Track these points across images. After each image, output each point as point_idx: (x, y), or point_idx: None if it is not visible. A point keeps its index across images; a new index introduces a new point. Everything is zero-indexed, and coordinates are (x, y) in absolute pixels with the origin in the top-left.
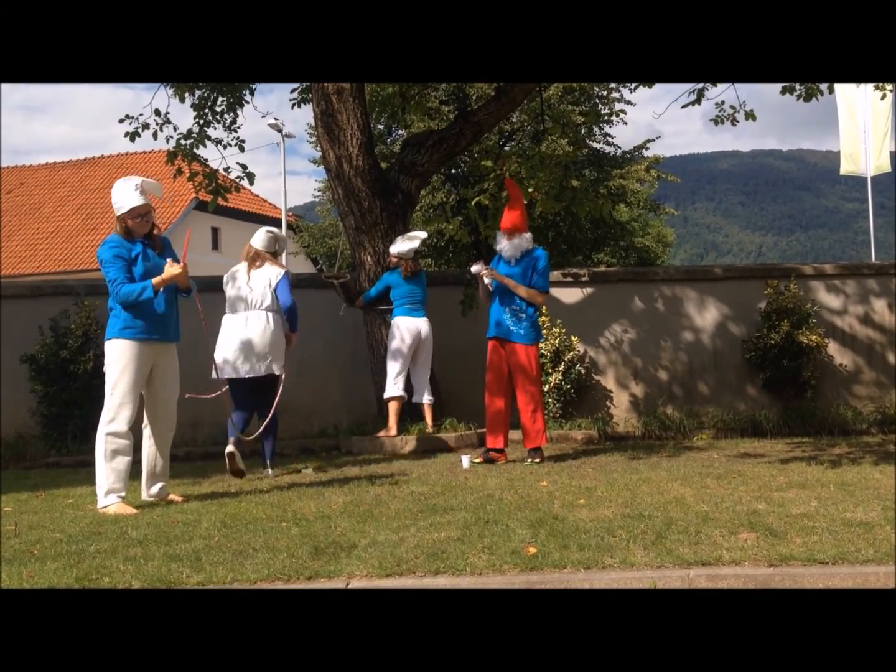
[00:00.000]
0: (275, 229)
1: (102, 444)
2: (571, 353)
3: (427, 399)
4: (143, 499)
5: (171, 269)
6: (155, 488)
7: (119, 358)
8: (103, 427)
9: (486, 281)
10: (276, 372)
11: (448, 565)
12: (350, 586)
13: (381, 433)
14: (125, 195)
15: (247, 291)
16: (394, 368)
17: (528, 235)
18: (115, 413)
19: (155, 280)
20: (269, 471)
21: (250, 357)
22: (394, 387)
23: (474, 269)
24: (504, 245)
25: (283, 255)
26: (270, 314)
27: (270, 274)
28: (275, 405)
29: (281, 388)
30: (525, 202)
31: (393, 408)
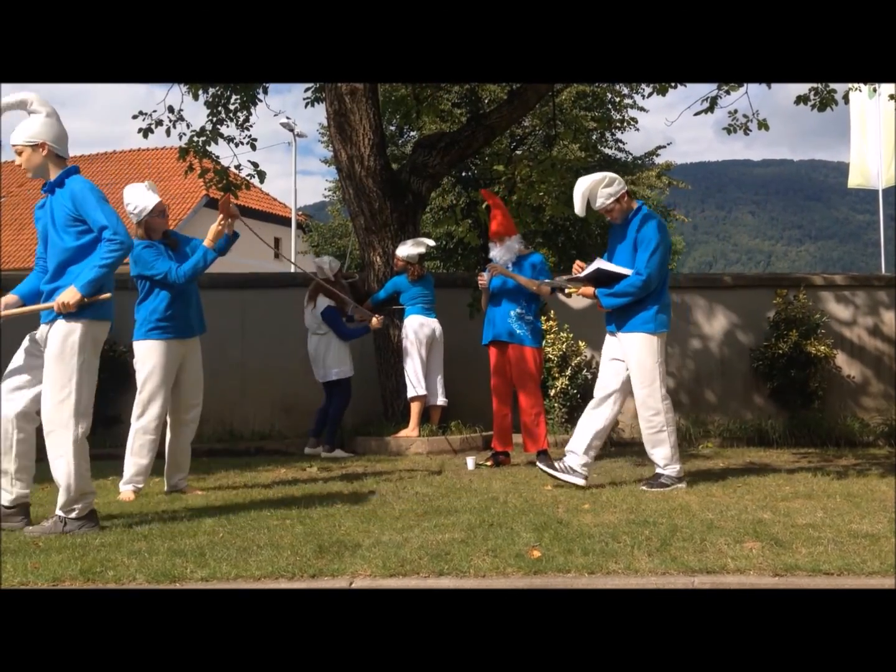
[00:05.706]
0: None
1: (130, 439)
2: (578, 359)
3: (442, 401)
4: (165, 490)
5: (212, 227)
6: (174, 479)
7: (148, 358)
8: (133, 422)
9: (482, 283)
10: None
11: (452, 567)
12: (353, 585)
13: (403, 433)
14: (143, 196)
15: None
16: (413, 367)
17: (517, 236)
18: (143, 409)
19: (206, 241)
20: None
21: None
22: (418, 386)
23: (484, 277)
24: (496, 251)
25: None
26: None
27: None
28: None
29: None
30: (504, 209)
31: (416, 408)
